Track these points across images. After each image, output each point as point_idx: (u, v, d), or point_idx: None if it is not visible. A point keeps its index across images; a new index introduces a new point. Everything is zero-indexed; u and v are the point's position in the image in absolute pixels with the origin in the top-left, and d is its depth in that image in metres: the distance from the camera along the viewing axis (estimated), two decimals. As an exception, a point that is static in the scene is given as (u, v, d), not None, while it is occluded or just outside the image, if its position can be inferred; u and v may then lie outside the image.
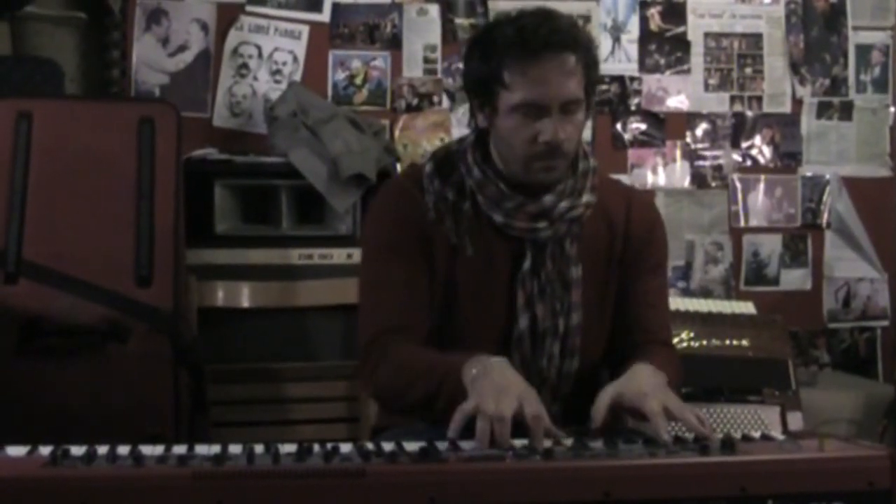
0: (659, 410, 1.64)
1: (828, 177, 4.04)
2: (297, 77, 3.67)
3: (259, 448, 1.49)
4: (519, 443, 1.55)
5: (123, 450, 1.45)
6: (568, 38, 1.84)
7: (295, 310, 3.11)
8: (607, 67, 3.80)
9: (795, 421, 3.01)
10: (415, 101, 3.77)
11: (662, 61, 3.93)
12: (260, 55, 3.67)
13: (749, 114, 3.99)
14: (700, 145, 3.97)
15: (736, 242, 3.98)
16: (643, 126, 3.93)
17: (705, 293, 3.89)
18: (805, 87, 4.02)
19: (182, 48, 3.63)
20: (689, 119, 3.96)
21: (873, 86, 4.08)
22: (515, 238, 1.94)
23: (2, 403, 2.57)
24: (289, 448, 1.48)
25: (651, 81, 3.93)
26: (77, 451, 1.44)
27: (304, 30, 3.70)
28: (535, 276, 1.93)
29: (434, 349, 1.88)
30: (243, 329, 3.09)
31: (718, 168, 3.98)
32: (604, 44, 3.85)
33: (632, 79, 3.92)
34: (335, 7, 3.71)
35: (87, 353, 2.68)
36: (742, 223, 3.98)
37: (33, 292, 2.68)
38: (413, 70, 3.78)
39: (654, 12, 3.92)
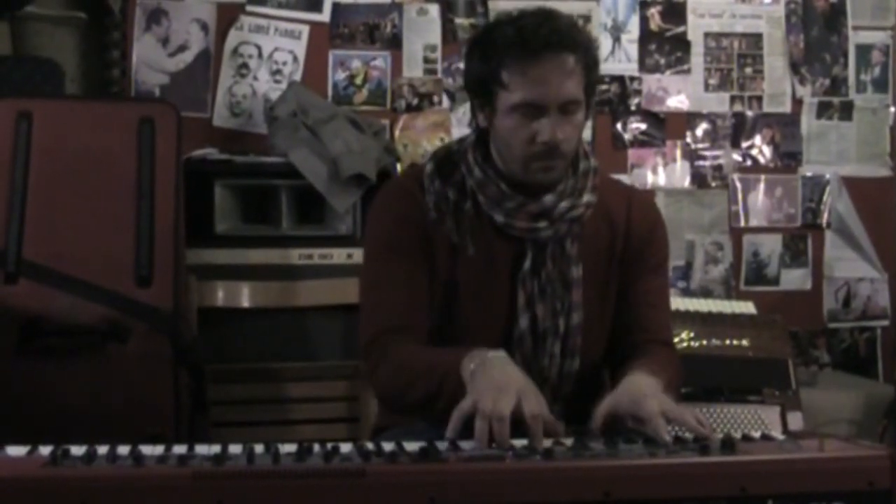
0: (657, 412, 1.64)
1: (828, 177, 4.04)
2: (297, 77, 3.67)
3: (259, 448, 1.48)
4: (519, 443, 1.55)
5: (123, 450, 1.45)
6: (567, 38, 1.84)
7: (295, 310, 3.11)
8: (607, 67, 3.80)
9: (795, 421, 3.01)
10: (415, 101, 3.77)
11: (662, 61, 3.93)
12: (260, 55, 3.67)
13: (749, 114, 3.99)
14: (700, 145, 3.97)
15: (736, 242, 3.98)
16: (643, 126, 3.93)
17: (705, 293, 3.89)
18: (805, 87, 4.02)
19: (182, 48, 3.63)
20: (689, 119, 3.96)
21: (873, 86, 4.08)
22: (516, 238, 1.94)
23: (2, 403, 2.57)
24: (289, 448, 1.48)
25: (651, 81, 3.93)
26: (77, 451, 1.44)
27: (304, 30, 3.70)
28: (536, 276, 1.93)
29: (434, 347, 1.88)
30: (243, 329, 3.09)
31: (718, 168, 3.98)
32: (604, 44, 3.85)
33: (632, 79, 3.92)
34: (335, 7, 3.71)
35: (87, 353, 2.68)
36: (742, 223, 3.98)
37: (33, 292, 2.68)
38: (413, 70, 3.78)
39: (654, 12, 3.92)
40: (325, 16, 3.71)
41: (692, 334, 3.09)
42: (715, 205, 3.97)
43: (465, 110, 3.69)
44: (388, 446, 1.51)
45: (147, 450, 1.47)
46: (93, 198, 2.75)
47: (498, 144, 1.93)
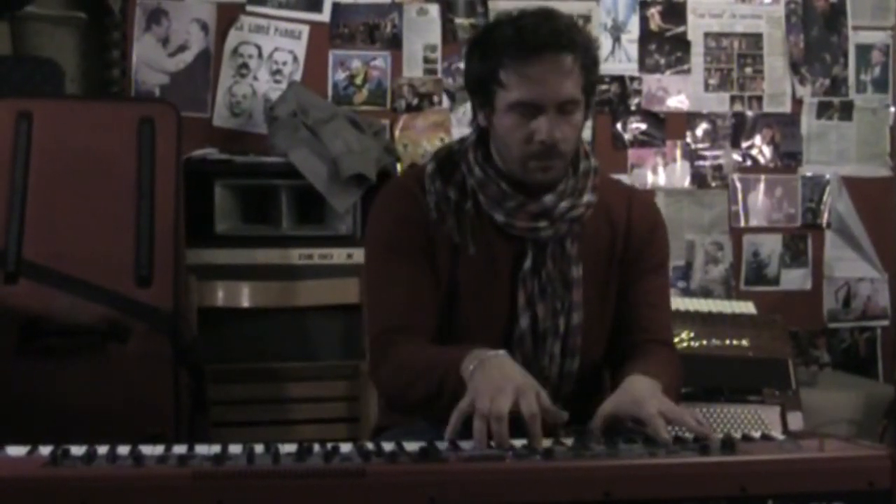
0: (656, 412, 1.64)
1: (828, 177, 4.04)
2: (297, 77, 3.67)
3: (259, 448, 1.48)
4: (518, 442, 1.55)
5: (123, 450, 1.45)
6: (565, 38, 1.84)
7: (295, 310, 3.11)
8: (607, 67, 3.80)
9: (795, 421, 3.01)
10: (415, 101, 3.77)
11: (662, 61, 3.93)
12: (260, 55, 3.67)
13: (749, 114, 3.99)
14: (700, 145, 3.97)
15: (736, 242, 3.98)
16: (643, 126, 3.93)
17: (705, 293, 3.89)
18: (805, 87, 4.02)
19: (182, 48, 3.63)
20: (689, 119, 3.96)
21: (873, 86, 4.08)
22: (516, 237, 1.94)
23: (2, 403, 2.57)
24: (289, 448, 1.48)
25: (651, 81, 3.93)
26: (77, 451, 1.44)
27: (304, 30, 3.70)
28: (536, 276, 1.93)
29: (435, 346, 1.88)
30: (243, 329, 3.09)
31: (718, 168, 3.98)
32: (604, 44, 3.85)
33: (632, 79, 3.92)
34: (335, 7, 3.71)
35: (87, 353, 2.68)
36: (742, 223, 3.98)
37: (33, 292, 2.68)
38: (413, 70, 3.78)
39: (654, 12, 3.92)
40: (325, 16, 3.71)
41: (692, 334, 3.09)
42: (715, 205, 3.97)
43: (465, 110, 3.69)
44: (388, 446, 1.51)
45: (147, 450, 1.47)
46: (93, 198, 2.76)
47: (497, 144, 1.93)
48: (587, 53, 1.88)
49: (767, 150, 4.00)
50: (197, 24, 3.64)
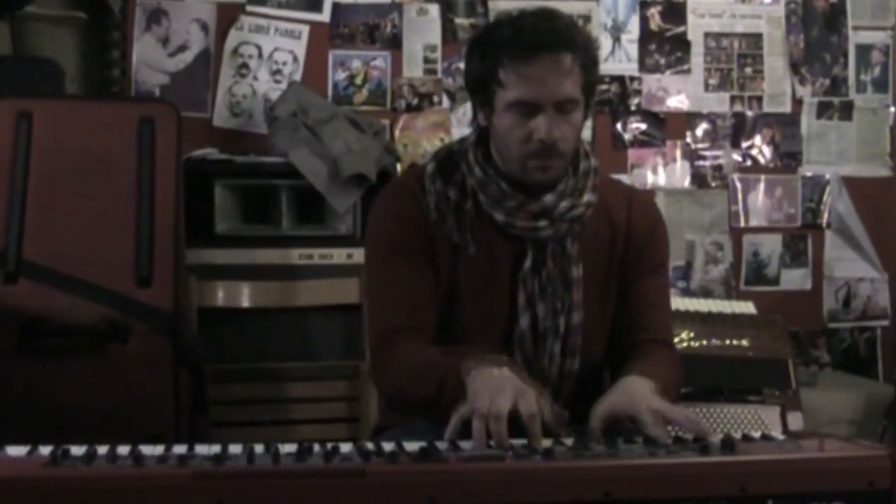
0: (652, 412, 1.64)
1: (828, 177, 4.04)
2: (297, 77, 3.67)
3: (259, 448, 1.49)
4: (518, 443, 1.55)
5: (123, 450, 1.45)
6: (564, 37, 1.84)
7: (295, 310, 3.11)
8: (607, 67, 3.80)
9: (795, 421, 3.01)
10: (415, 101, 3.77)
11: (662, 61, 3.93)
12: (260, 55, 3.67)
13: (749, 114, 3.99)
14: (700, 145, 3.97)
15: (736, 242, 3.98)
16: (643, 126, 3.93)
17: (705, 293, 3.89)
18: (805, 87, 4.02)
19: (182, 48, 3.63)
20: (689, 119, 3.96)
21: (873, 86, 4.08)
22: (517, 237, 1.94)
23: (2, 403, 2.57)
24: (289, 448, 1.48)
25: (651, 81, 3.93)
26: (77, 451, 1.44)
27: (304, 30, 3.70)
28: (536, 276, 1.93)
29: (436, 347, 1.88)
30: (243, 329, 3.09)
31: (718, 168, 3.98)
32: (604, 44, 3.85)
33: (632, 79, 3.92)
34: (335, 7, 3.71)
35: (87, 353, 2.68)
36: (742, 223, 3.98)
37: (33, 292, 2.68)
38: (413, 70, 3.78)
39: (654, 12, 3.92)
40: (325, 16, 3.71)
41: (692, 334, 3.09)
42: (715, 205, 3.97)
43: (465, 110, 3.69)
44: (388, 446, 1.51)
45: (147, 450, 1.47)
46: (93, 198, 2.76)
47: (497, 143, 1.93)
48: (587, 53, 1.88)
49: (767, 150, 4.00)
50: (197, 24, 3.64)
